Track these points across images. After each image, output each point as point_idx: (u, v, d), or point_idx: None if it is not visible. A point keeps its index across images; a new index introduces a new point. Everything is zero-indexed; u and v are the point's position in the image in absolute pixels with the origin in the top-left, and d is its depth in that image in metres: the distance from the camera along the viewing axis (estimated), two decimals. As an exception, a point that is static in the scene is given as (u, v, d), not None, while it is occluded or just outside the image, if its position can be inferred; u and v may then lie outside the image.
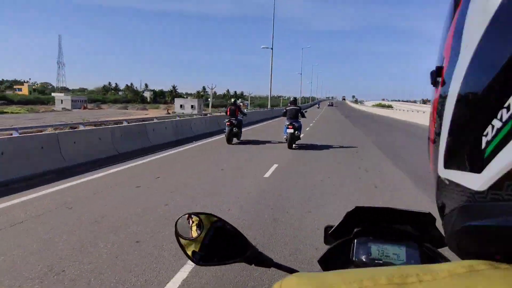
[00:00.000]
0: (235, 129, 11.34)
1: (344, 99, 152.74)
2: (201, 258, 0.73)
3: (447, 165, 0.34)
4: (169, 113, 27.00)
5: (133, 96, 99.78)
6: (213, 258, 0.73)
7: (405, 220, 0.76)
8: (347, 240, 0.79)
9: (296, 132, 10.58)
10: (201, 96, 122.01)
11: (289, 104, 11.50)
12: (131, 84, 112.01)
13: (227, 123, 11.28)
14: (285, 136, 10.78)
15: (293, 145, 10.71)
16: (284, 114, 11.17)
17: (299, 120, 11.13)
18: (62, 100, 77.35)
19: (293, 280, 0.37)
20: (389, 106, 64.69)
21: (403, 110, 44.66)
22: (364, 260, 0.73)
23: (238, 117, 11.67)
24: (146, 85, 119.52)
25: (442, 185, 0.36)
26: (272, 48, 35.91)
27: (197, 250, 0.72)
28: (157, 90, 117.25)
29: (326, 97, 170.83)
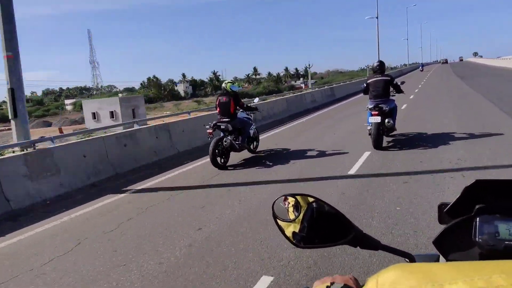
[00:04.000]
0: (227, 141, 7.70)
1: (462, 60, 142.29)
2: (301, 241, 0.89)
3: None
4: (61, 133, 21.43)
5: (157, 92, 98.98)
6: (314, 240, 0.88)
7: None
8: (467, 218, 0.83)
9: (386, 120, 7.94)
10: (251, 80, 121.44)
11: (372, 74, 8.78)
12: (153, 76, 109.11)
13: (208, 131, 7.90)
14: (368, 128, 8.17)
15: (383, 143, 8.11)
16: (365, 91, 8.52)
17: (392, 98, 8.39)
18: None
19: (391, 274, 0.39)
20: None
21: None
22: (490, 241, 0.78)
23: (239, 116, 8.35)
24: (184, 76, 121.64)
25: None
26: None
27: (296, 231, 0.88)
28: (197, 80, 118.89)
29: (434, 61, 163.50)
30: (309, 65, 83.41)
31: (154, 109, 72.31)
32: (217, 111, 8.31)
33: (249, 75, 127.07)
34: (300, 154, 8.43)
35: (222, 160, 7.72)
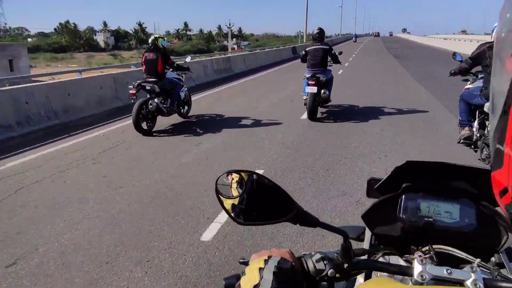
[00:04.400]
0: (153, 104, 7.20)
1: (392, 35, 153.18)
2: (242, 217, 0.89)
3: None
4: None
5: (71, 41, 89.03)
6: (255, 217, 0.89)
7: (461, 176, 0.90)
8: (394, 195, 0.93)
9: (322, 91, 8.08)
10: (181, 36, 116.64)
11: (311, 42, 8.73)
12: (67, 22, 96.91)
13: (131, 91, 7.25)
14: (304, 97, 8.27)
15: (318, 114, 8.32)
16: (303, 59, 8.49)
17: (329, 68, 8.50)
18: None
19: None
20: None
21: None
22: (411, 217, 0.90)
23: (167, 76, 7.75)
24: (105, 24, 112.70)
25: None
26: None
27: (236, 204, 0.89)
28: (120, 30, 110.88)
29: (366, 33, 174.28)
30: (229, 24, 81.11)
31: (61, 60, 63.11)
32: (142, 69, 7.67)
33: (179, 30, 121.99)
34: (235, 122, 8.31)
35: (148, 125, 7.26)
